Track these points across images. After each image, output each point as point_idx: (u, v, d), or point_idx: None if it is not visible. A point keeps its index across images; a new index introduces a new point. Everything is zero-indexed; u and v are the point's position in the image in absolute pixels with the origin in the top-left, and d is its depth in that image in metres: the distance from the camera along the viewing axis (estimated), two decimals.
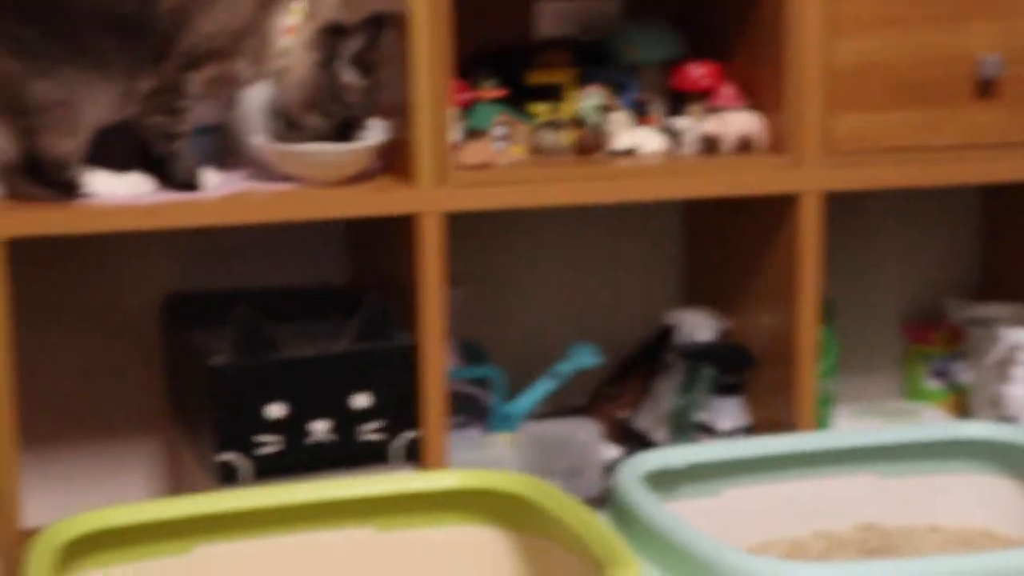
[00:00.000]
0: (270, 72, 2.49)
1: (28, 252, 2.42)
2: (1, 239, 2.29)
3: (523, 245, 2.96)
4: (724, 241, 2.90)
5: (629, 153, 2.66)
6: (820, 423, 2.87)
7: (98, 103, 2.36)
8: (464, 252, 2.75)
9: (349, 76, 2.47)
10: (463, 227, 2.65)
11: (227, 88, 2.50)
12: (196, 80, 2.43)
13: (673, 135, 2.70)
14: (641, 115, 2.72)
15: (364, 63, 2.47)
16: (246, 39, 2.44)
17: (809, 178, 2.65)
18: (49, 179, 2.36)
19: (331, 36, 2.46)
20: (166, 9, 2.38)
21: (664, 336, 2.92)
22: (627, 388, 2.93)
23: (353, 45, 2.46)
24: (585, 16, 2.84)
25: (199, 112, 2.47)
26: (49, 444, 2.74)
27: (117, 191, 2.39)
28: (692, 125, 2.68)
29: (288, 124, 2.50)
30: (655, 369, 2.90)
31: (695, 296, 3.01)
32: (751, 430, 2.80)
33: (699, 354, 2.80)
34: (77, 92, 2.33)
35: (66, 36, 2.31)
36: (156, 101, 2.41)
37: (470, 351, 2.83)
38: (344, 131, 2.50)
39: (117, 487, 2.81)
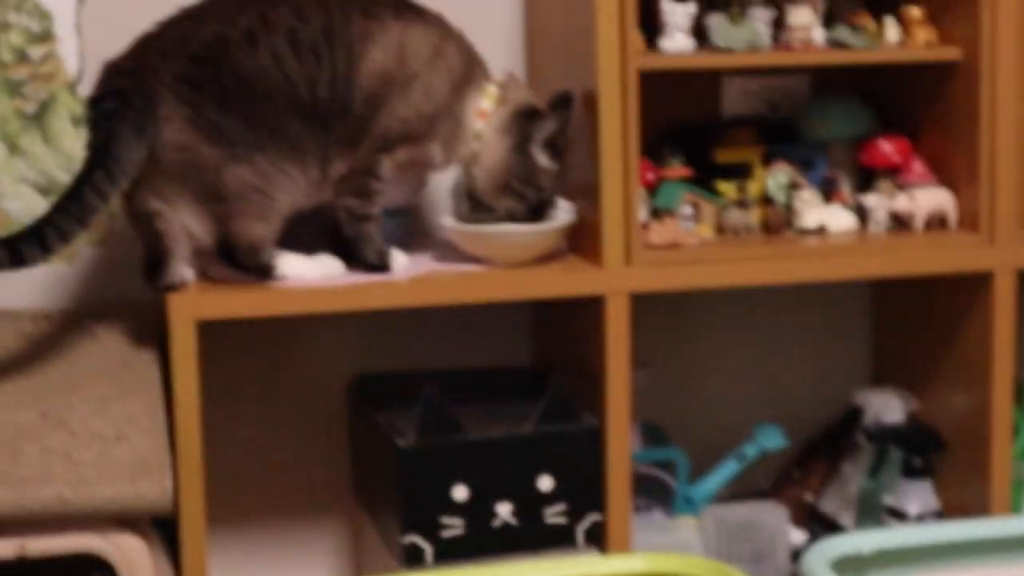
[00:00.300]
0: (462, 156, 2.50)
1: (218, 333, 2.45)
2: (193, 321, 2.32)
3: (707, 324, 2.93)
4: (914, 320, 2.85)
5: (818, 231, 2.63)
6: (1014, 507, 2.79)
7: (292, 189, 2.40)
8: (647, 331, 2.73)
9: (543, 159, 2.48)
10: (647, 306, 2.63)
11: (419, 171, 2.53)
12: (389, 163, 2.45)
13: (862, 213, 2.66)
14: (830, 192, 2.69)
15: (556, 146, 2.48)
16: (439, 123, 2.46)
17: (1004, 256, 2.59)
18: (242, 263, 2.39)
19: (525, 119, 2.48)
20: (361, 96, 2.41)
21: (851, 417, 2.86)
22: (813, 471, 2.88)
23: (546, 128, 2.47)
24: (772, 93, 2.82)
25: (388, 194, 2.48)
26: (236, 523, 2.77)
27: (308, 274, 2.42)
28: (882, 202, 2.64)
29: (477, 206, 2.51)
30: (842, 451, 2.85)
31: (883, 376, 2.95)
32: (942, 514, 2.73)
33: (888, 436, 2.75)
34: (272, 178, 2.37)
35: (263, 124, 2.35)
36: (349, 183, 2.43)
37: (652, 433, 2.80)
38: (535, 213, 2.50)
39: (302, 567, 2.83)
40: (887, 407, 2.81)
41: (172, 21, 2.39)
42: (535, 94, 2.54)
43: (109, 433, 2.31)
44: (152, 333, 2.56)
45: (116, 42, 2.43)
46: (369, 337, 2.79)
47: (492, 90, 2.50)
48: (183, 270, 2.40)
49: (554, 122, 2.47)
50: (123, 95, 2.31)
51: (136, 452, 2.27)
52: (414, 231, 2.74)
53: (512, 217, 2.50)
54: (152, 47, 2.35)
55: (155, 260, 2.39)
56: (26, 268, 2.27)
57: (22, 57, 2.59)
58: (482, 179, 2.51)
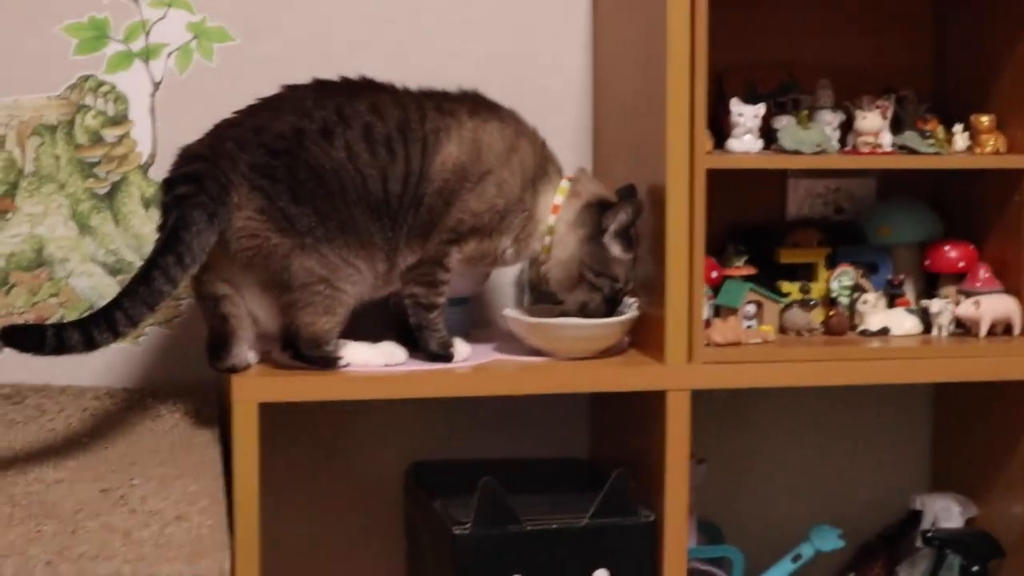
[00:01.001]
0: (534, 250, 2.51)
1: (279, 415, 2.46)
2: (255, 403, 2.34)
3: (766, 421, 2.92)
4: (975, 425, 2.83)
5: (881, 334, 2.62)
6: None
7: (359, 281, 2.40)
8: (705, 426, 2.72)
9: (616, 249, 2.49)
10: (705, 401, 2.62)
11: (487, 264, 2.53)
12: (458, 255, 2.46)
13: (926, 317, 2.65)
14: (893, 296, 2.68)
15: (628, 236, 2.49)
16: (511, 217, 2.47)
17: None
18: (306, 355, 2.40)
19: (598, 210, 2.49)
20: (433, 188, 2.42)
21: (910, 521, 2.84)
22: (869, 574, 2.85)
23: (619, 218, 2.47)
24: (838, 195, 2.83)
25: (453, 284, 2.50)
26: None
27: (371, 361, 2.43)
28: (946, 307, 2.63)
29: (540, 298, 2.52)
30: (899, 555, 2.82)
31: (943, 480, 2.93)
32: None
33: (947, 541, 2.72)
34: (339, 270, 2.38)
35: (333, 217, 2.37)
36: (417, 272, 2.45)
37: (708, 529, 2.79)
38: (611, 305, 2.51)
39: None
40: (946, 512, 2.79)
41: (249, 110, 2.42)
42: (606, 188, 2.56)
43: (169, 512, 2.32)
44: (213, 414, 2.58)
45: (188, 127, 2.48)
46: (428, 424, 2.80)
47: (564, 185, 2.51)
48: (246, 353, 2.42)
49: (626, 213, 2.47)
50: (197, 180, 2.33)
51: (194, 532, 2.28)
52: (477, 320, 2.76)
53: (585, 311, 2.50)
54: (228, 135, 2.38)
55: (219, 342, 2.41)
56: (95, 350, 2.29)
57: (97, 139, 2.64)
58: (555, 272, 2.52)
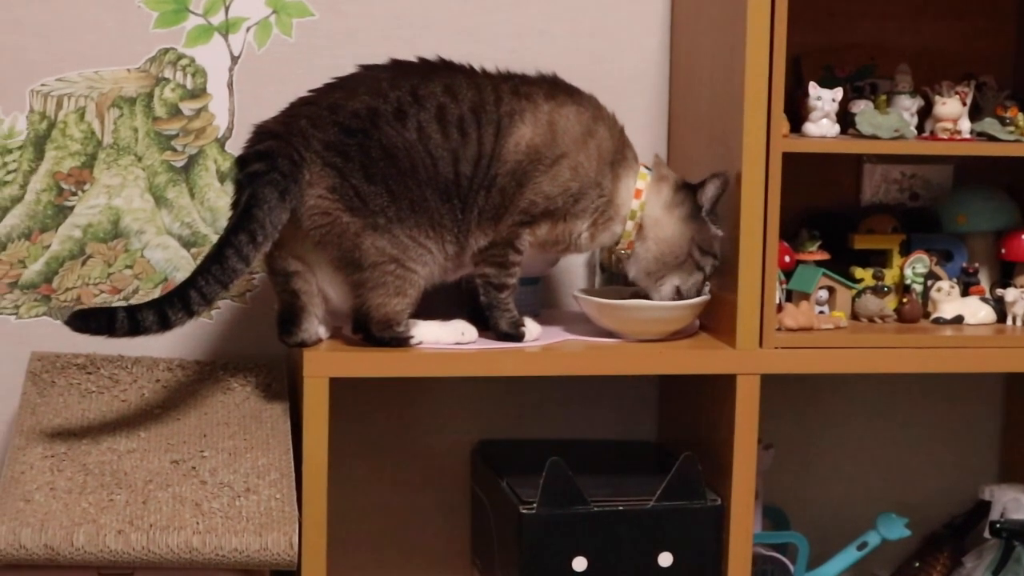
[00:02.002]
0: (613, 234, 2.50)
1: (349, 390, 2.47)
2: (326, 378, 2.35)
3: (835, 408, 2.91)
4: None
5: (954, 323, 2.60)
6: None
7: (430, 262, 2.40)
8: (773, 411, 2.71)
9: (715, 227, 2.48)
10: (774, 386, 2.62)
11: (561, 250, 2.52)
12: (530, 236, 2.46)
13: (1001, 306, 2.63)
14: (968, 284, 2.66)
15: (714, 213, 2.48)
16: (587, 201, 2.46)
17: None
18: (377, 337, 2.40)
19: (692, 191, 2.48)
20: (506, 170, 2.42)
21: (977, 511, 2.82)
22: (934, 564, 2.84)
23: (709, 194, 2.46)
24: (914, 182, 2.80)
25: (525, 264, 2.49)
26: None
27: (441, 339, 2.43)
28: (1021, 297, 2.61)
29: (610, 278, 2.51)
30: (965, 546, 2.81)
31: (1012, 472, 2.90)
32: None
33: (1015, 532, 2.70)
34: (410, 250, 2.38)
35: (405, 197, 2.37)
36: (489, 253, 2.45)
37: (773, 515, 2.78)
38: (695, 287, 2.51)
39: None
40: (1015, 503, 2.76)
41: (325, 89, 2.43)
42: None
43: (238, 484, 2.34)
44: (284, 388, 2.60)
45: (266, 102, 2.49)
46: (496, 403, 2.80)
47: (644, 171, 2.50)
48: (316, 328, 2.43)
49: (714, 186, 2.46)
50: (269, 157, 2.34)
51: (264, 505, 2.30)
52: (547, 300, 2.76)
53: (679, 294, 2.49)
54: (303, 113, 2.39)
55: (289, 316, 2.42)
56: (170, 330, 2.32)
57: (175, 112, 2.66)
58: (651, 254, 2.49)
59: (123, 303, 2.64)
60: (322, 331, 2.45)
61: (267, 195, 2.32)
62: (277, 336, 2.44)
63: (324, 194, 2.35)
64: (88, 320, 2.30)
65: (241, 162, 2.38)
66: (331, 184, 2.35)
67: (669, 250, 2.49)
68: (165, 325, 2.30)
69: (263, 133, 2.40)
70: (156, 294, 2.62)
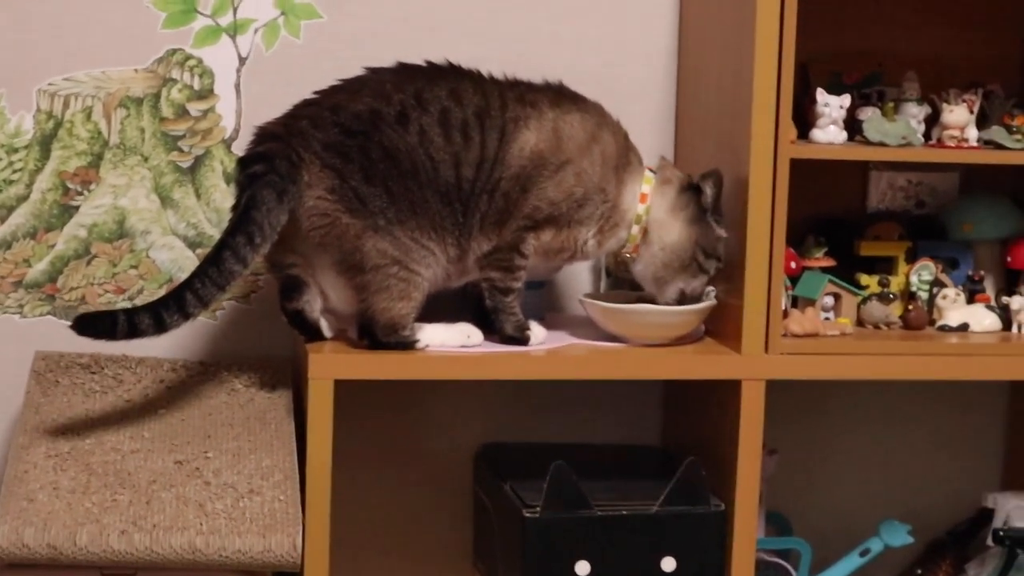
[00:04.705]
0: (620, 239, 2.50)
1: (353, 392, 2.47)
2: (331, 379, 2.35)
3: (839, 414, 2.91)
4: None
5: (960, 330, 2.60)
6: None
7: (433, 264, 2.40)
8: (778, 417, 2.71)
9: (719, 228, 2.47)
10: (779, 392, 2.61)
11: (566, 257, 2.51)
12: (535, 241, 2.46)
13: (1006, 314, 2.63)
14: (973, 292, 2.66)
15: (719, 212, 2.48)
16: (591, 207, 2.46)
17: None
18: (382, 341, 2.40)
19: (694, 192, 2.48)
20: (509, 174, 2.42)
21: (980, 519, 2.82)
22: (937, 571, 2.84)
23: (708, 195, 2.45)
24: (920, 189, 2.80)
25: (530, 268, 2.49)
26: None
27: (447, 342, 2.43)
28: None
29: (616, 282, 2.50)
30: (968, 553, 2.81)
31: (1015, 479, 2.90)
32: None
33: (1018, 540, 2.70)
34: (412, 252, 2.38)
35: (405, 199, 2.37)
36: (494, 257, 2.44)
37: (776, 521, 2.78)
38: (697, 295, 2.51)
39: None
40: (1019, 511, 2.76)
41: (329, 91, 2.43)
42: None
43: (242, 485, 2.34)
44: (288, 389, 2.60)
45: (273, 103, 2.49)
46: (500, 406, 2.80)
47: (649, 175, 2.50)
48: (317, 305, 2.43)
49: (710, 186, 2.46)
50: (269, 159, 2.34)
51: (267, 506, 2.30)
52: (553, 304, 2.76)
53: (684, 299, 2.49)
54: (304, 114, 2.39)
55: (292, 285, 2.42)
56: (167, 332, 2.32)
57: (182, 112, 2.66)
58: (657, 259, 2.49)
59: (127, 303, 2.64)
60: (326, 329, 2.45)
61: (265, 197, 2.32)
62: (279, 304, 2.44)
63: (323, 195, 2.35)
64: (93, 324, 2.30)
65: (242, 164, 2.39)
66: (330, 185, 2.35)
67: (674, 253, 2.49)
68: (161, 328, 2.31)
69: (264, 135, 2.40)
70: (161, 294, 2.62)
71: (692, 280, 2.49)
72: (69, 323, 2.31)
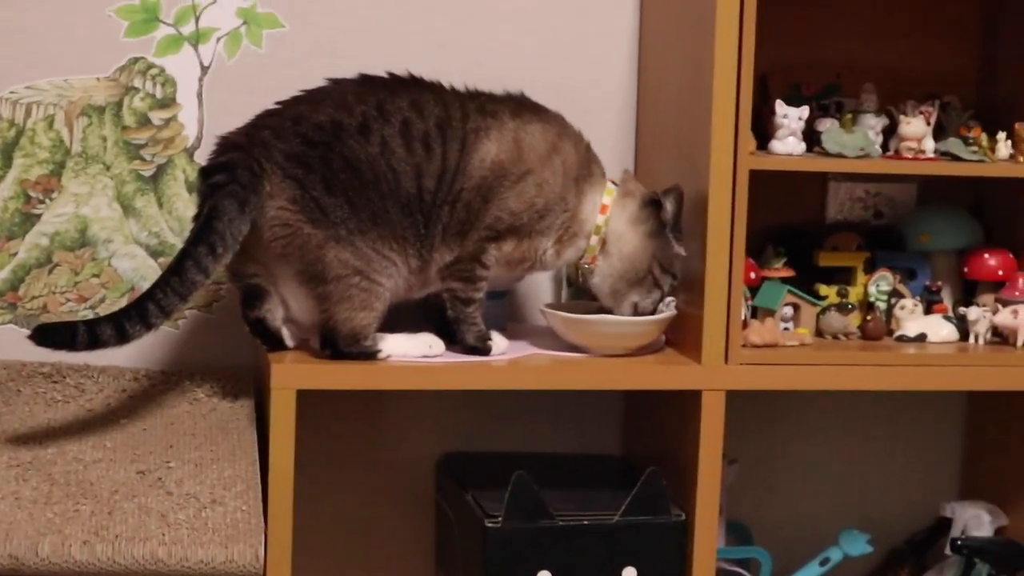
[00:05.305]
0: (578, 249, 2.51)
1: (315, 402, 2.47)
2: (293, 389, 2.35)
3: (798, 424, 2.93)
4: (1009, 435, 2.83)
5: (917, 341, 2.62)
6: None
7: (394, 274, 2.41)
8: (737, 427, 2.72)
9: (677, 245, 2.49)
10: (738, 402, 2.62)
11: (526, 268, 2.52)
12: (496, 252, 2.46)
13: (963, 325, 2.65)
14: (931, 303, 2.68)
15: (679, 229, 2.49)
16: (552, 218, 2.47)
17: None
18: (344, 351, 2.40)
19: (655, 206, 2.48)
20: (471, 185, 2.42)
21: (939, 528, 2.84)
22: None
23: (669, 210, 2.46)
24: (878, 200, 2.82)
25: (492, 278, 2.50)
26: None
27: (409, 352, 2.44)
28: (983, 316, 2.63)
29: (577, 292, 2.51)
30: (926, 563, 2.83)
31: (973, 489, 2.93)
32: None
33: (975, 549, 2.72)
34: (374, 263, 2.38)
35: (366, 209, 2.37)
36: (455, 268, 2.45)
37: (736, 530, 2.80)
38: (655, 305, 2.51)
39: None
40: (976, 520, 2.79)
41: (291, 102, 2.43)
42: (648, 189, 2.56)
43: (204, 496, 2.33)
44: (250, 399, 2.60)
45: (235, 112, 2.49)
46: (462, 416, 2.80)
47: (611, 187, 2.51)
48: (278, 315, 2.43)
49: (671, 202, 2.47)
50: (231, 169, 2.35)
51: (230, 516, 2.30)
52: (514, 314, 2.77)
53: (636, 311, 2.50)
54: (266, 124, 2.40)
55: (253, 293, 2.42)
56: (128, 343, 2.32)
57: (144, 121, 2.65)
58: (614, 269, 2.50)
59: (90, 312, 2.64)
60: (287, 338, 2.45)
61: (227, 207, 2.32)
62: (241, 313, 2.44)
63: (285, 205, 2.36)
64: (52, 335, 2.30)
65: (203, 174, 2.39)
66: (292, 196, 2.35)
67: (631, 266, 2.50)
68: (123, 338, 2.30)
69: (226, 145, 2.40)
70: (123, 303, 2.61)
71: (647, 295, 2.51)
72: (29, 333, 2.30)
